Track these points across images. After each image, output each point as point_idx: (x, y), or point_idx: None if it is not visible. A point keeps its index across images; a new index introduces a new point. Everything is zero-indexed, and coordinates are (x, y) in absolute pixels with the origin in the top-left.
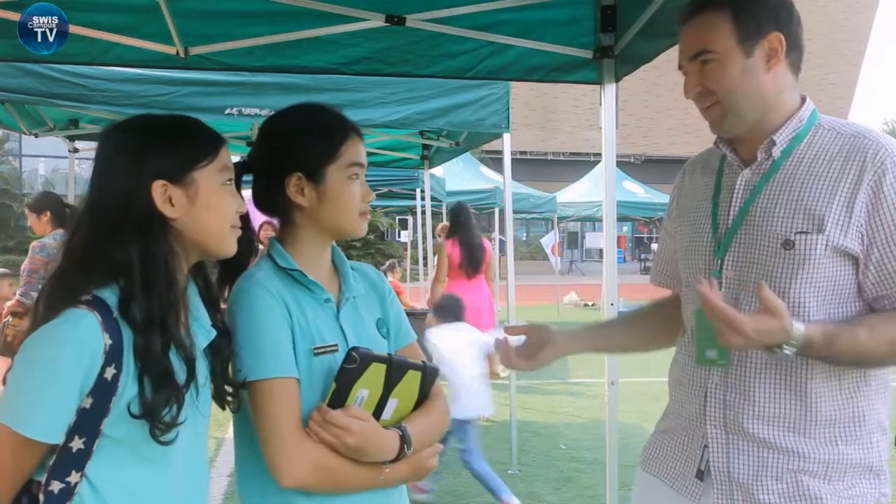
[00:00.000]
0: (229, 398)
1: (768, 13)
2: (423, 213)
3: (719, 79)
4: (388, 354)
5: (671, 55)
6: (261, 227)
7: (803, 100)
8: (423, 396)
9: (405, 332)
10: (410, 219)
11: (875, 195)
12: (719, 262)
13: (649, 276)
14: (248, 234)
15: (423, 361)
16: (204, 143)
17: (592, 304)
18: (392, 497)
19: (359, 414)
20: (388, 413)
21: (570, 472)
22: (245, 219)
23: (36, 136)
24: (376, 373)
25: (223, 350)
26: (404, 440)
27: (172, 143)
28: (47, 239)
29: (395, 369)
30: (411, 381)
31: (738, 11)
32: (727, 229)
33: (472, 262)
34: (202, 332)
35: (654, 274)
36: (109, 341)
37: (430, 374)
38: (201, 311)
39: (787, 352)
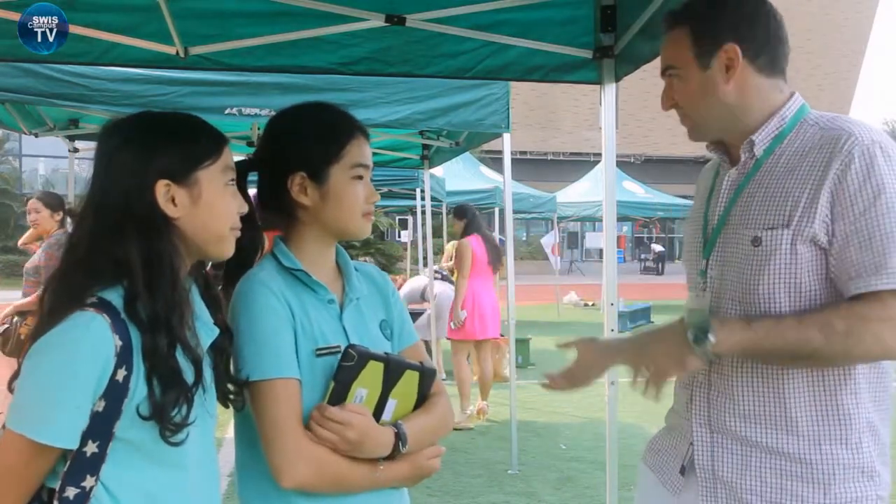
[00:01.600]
0: (232, 397)
1: (725, 24)
2: (423, 213)
3: (681, 93)
4: (386, 353)
5: None
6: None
7: (791, 96)
8: (423, 397)
9: (408, 333)
10: (410, 219)
11: (840, 183)
12: (705, 262)
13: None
14: (253, 234)
15: (420, 362)
16: (208, 142)
17: (592, 304)
18: (393, 499)
19: (357, 409)
20: (388, 414)
21: (570, 472)
22: (251, 218)
23: (36, 136)
24: (374, 371)
25: (226, 349)
26: (399, 437)
27: (176, 141)
28: (62, 235)
29: (393, 368)
30: (409, 381)
31: (695, 26)
32: (713, 229)
33: (496, 258)
34: (206, 330)
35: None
36: (120, 342)
37: (427, 375)
38: (203, 310)
39: (708, 342)
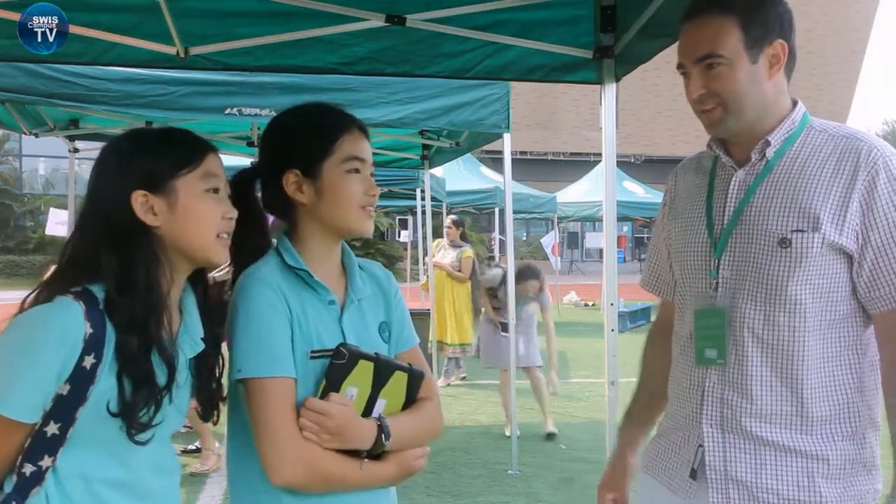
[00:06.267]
0: (212, 409)
1: (774, 21)
2: (424, 213)
3: (726, 83)
4: (376, 353)
5: (671, 55)
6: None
7: (794, 103)
8: (411, 400)
9: (407, 336)
10: (410, 219)
11: (869, 194)
12: (716, 262)
13: (640, 280)
14: (259, 238)
15: (409, 364)
16: (186, 151)
17: (592, 304)
18: (379, 498)
19: (339, 400)
20: (376, 413)
21: (570, 472)
22: (257, 222)
23: (36, 136)
24: (364, 371)
25: (212, 361)
26: (382, 430)
27: (153, 152)
28: None
29: (382, 368)
30: (398, 382)
31: (746, 17)
32: (723, 230)
33: None
34: (190, 342)
35: (645, 279)
36: (90, 330)
37: (416, 377)
38: (194, 321)
39: None
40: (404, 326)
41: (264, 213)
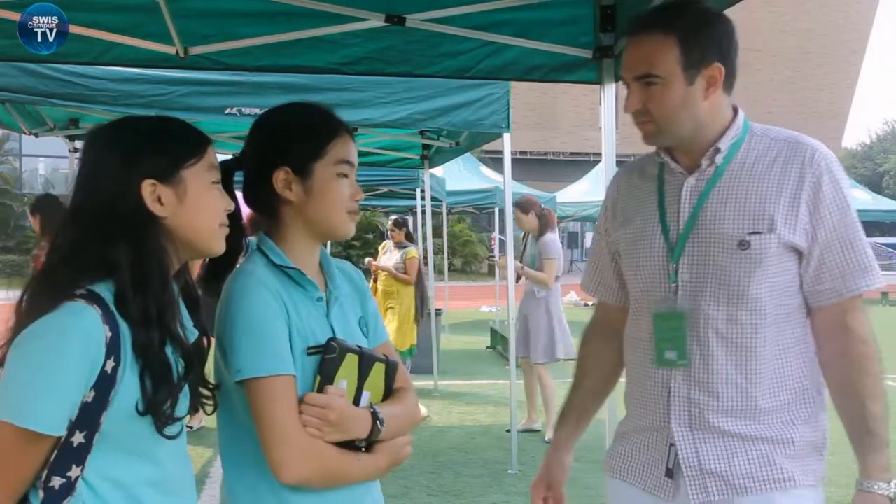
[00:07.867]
0: (205, 400)
1: (713, 44)
2: (423, 212)
3: (660, 103)
4: (359, 346)
5: None
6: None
7: (735, 110)
8: (389, 390)
9: (381, 330)
10: (410, 219)
11: (815, 195)
12: (674, 266)
13: (581, 282)
14: (237, 233)
15: (385, 355)
16: (191, 142)
17: (592, 304)
18: (372, 491)
19: (335, 391)
20: (363, 404)
21: (569, 472)
22: (235, 217)
23: (36, 135)
24: (351, 364)
25: (203, 352)
26: (375, 417)
27: (160, 142)
28: None
29: (366, 360)
30: (378, 373)
31: (685, 39)
32: (679, 234)
33: None
34: (188, 330)
35: (586, 283)
36: (109, 334)
37: (391, 367)
38: (183, 308)
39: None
40: (378, 321)
41: (240, 208)
